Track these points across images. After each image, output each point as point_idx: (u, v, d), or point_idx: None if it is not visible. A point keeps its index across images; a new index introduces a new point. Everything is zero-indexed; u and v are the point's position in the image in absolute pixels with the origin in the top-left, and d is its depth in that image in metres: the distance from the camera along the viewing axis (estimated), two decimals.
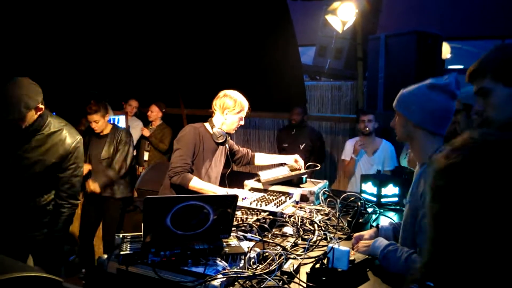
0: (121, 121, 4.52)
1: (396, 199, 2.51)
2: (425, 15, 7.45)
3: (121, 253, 1.42)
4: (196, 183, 2.31)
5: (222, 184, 2.63)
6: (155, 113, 4.69)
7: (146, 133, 4.65)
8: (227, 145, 2.63)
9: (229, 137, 2.62)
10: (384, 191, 2.51)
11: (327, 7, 5.01)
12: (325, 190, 2.57)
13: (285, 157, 2.80)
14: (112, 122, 3.78)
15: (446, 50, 6.47)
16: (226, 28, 4.13)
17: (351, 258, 1.42)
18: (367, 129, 3.65)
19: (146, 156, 4.70)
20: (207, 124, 2.56)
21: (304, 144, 4.25)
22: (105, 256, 1.48)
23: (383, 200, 2.50)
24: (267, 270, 1.43)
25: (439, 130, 1.48)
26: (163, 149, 4.58)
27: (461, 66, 9.02)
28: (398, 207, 2.44)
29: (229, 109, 2.47)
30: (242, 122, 2.57)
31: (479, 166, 0.66)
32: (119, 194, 3.48)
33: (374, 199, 2.52)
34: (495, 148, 0.66)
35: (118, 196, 3.47)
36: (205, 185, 2.34)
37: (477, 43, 8.43)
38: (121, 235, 1.59)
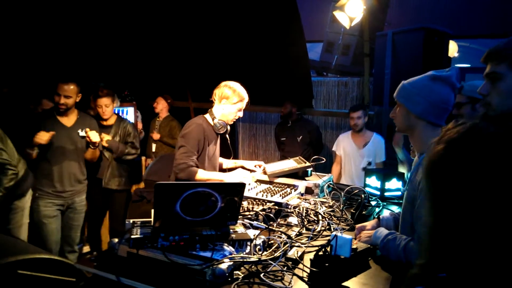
0: (129, 112, 4.58)
1: (399, 193, 2.55)
2: (433, 12, 7.39)
3: (132, 237, 1.48)
4: (202, 175, 2.39)
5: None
6: (161, 105, 4.73)
7: (156, 136, 4.66)
8: (227, 135, 2.68)
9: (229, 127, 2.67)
10: (388, 185, 2.55)
11: (335, 3, 5.01)
12: (330, 183, 2.61)
13: (245, 162, 2.85)
14: (117, 113, 3.82)
15: (453, 49, 6.44)
16: (234, 23, 4.16)
17: (354, 246, 1.47)
18: (357, 125, 3.72)
19: (154, 147, 4.76)
20: (207, 116, 2.61)
21: (301, 137, 4.31)
22: (116, 240, 1.54)
23: (386, 194, 2.54)
24: (272, 256, 1.48)
25: (439, 121, 1.50)
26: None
27: (468, 65, 8.95)
28: (401, 201, 2.48)
29: (227, 99, 2.51)
30: (241, 114, 2.59)
31: (461, 155, 0.69)
32: (122, 186, 3.56)
33: (378, 193, 2.56)
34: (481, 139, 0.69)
35: (120, 188, 3.55)
36: (211, 175, 2.43)
37: (485, 41, 8.36)
38: (131, 221, 1.65)
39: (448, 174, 0.69)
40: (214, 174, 2.48)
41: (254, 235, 1.58)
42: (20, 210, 2.62)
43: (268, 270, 1.40)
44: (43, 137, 2.80)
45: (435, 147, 0.73)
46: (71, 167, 3.02)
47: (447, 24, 4.51)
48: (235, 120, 2.62)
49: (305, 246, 1.64)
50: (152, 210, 1.50)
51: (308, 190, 2.46)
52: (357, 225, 1.84)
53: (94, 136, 3.00)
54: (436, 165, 0.71)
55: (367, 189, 2.60)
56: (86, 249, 3.94)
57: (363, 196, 2.14)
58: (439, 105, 1.48)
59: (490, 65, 1.24)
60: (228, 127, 2.62)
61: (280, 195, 2.21)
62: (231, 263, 1.37)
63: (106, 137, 3.34)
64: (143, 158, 4.40)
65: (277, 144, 4.71)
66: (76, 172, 3.06)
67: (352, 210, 2.09)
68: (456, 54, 6.93)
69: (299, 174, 2.64)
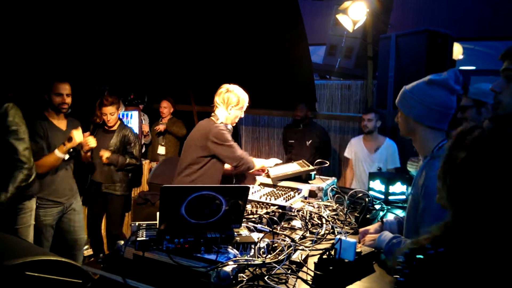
0: (133, 116, 4.61)
1: (403, 197, 2.55)
2: (437, 15, 7.38)
3: (138, 239, 1.49)
4: (257, 162, 2.72)
5: (228, 178, 2.85)
6: (168, 108, 4.78)
7: (162, 127, 4.70)
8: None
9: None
10: (392, 188, 2.55)
11: (338, 6, 5.03)
12: (333, 187, 2.62)
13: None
14: (121, 117, 3.85)
15: (458, 51, 6.42)
16: (237, 26, 4.18)
17: (358, 250, 1.47)
18: (366, 127, 3.71)
19: (160, 150, 4.78)
20: (212, 119, 2.66)
21: (311, 141, 4.30)
22: (122, 242, 1.56)
23: (390, 197, 2.54)
24: (276, 259, 1.49)
25: (439, 125, 1.50)
26: (183, 134, 4.60)
27: (473, 67, 8.92)
28: (405, 205, 2.48)
29: (233, 105, 2.61)
30: (242, 115, 2.75)
31: (484, 159, 0.71)
32: (120, 191, 3.54)
33: (382, 196, 2.56)
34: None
35: (118, 193, 3.53)
36: (259, 161, 2.78)
37: (490, 43, 8.33)
38: (137, 223, 1.66)
39: (478, 179, 0.71)
40: (260, 160, 2.80)
41: (258, 238, 1.59)
42: (29, 211, 2.62)
43: (272, 273, 1.41)
44: (94, 142, 2.94)
45: (458, 154, 0.74)
46: (70, 171, 2.98)
47: (451, 26, 4.51)
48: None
49: (309, 250, 1.65)
50: (158, 213, 1.51)
51: (312, 194, 2.46)
52: (360, 229, 1.84)
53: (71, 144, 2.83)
54: (463, 172, 0.73)
55: (371, 192, 2.60)
56: (89, 252, 3.96)
57: (367, 199, 2.14)
58: (436, 109, 1.47)
59: (507, 63, 1.24)
60: (231, 129, 2.69)
61: (284, 199, 2.22)
62: (236, 265, 1.38)
63: (106, 154, 3.35)
64: (147, 161, 4.42)
65: (284, 146, 4.70)
66: (73, 175, 3.02)
67: (356, 214, 2.10)
68: (460, 56, 6.90)
69: (303, 178, 2.65)
